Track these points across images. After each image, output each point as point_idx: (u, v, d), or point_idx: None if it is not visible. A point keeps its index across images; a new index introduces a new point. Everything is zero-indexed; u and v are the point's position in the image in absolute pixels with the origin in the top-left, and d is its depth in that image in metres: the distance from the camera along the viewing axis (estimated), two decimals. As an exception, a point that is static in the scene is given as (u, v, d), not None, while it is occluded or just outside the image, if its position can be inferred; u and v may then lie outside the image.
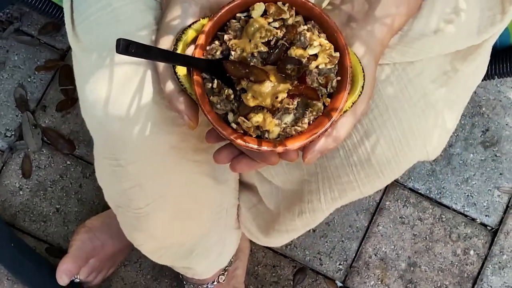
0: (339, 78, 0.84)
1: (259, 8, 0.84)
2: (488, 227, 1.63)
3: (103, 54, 0.92)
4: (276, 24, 0.83)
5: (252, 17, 0.84)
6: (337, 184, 1.02)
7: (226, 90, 0.82)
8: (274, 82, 0.81)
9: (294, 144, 0.82)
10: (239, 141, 0.81)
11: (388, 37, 0.91)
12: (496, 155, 1.65)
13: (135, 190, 1.03)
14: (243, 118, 0.81)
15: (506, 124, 1.66)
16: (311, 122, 0.83)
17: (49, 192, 1.64)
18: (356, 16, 0.89)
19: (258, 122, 0.81)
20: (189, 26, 0.85)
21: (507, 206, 1.63)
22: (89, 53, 0.95)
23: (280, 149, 0.82)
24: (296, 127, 0.82)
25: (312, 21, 0.85)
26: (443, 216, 1.63)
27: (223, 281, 1.47)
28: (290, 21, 0.84)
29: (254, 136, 0.82)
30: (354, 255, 1.62)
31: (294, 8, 0.84)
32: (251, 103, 0.81)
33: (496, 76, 1.53)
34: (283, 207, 1.14)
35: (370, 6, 0.89)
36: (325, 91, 0.84)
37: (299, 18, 0.85)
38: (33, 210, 1.63)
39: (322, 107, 0.83)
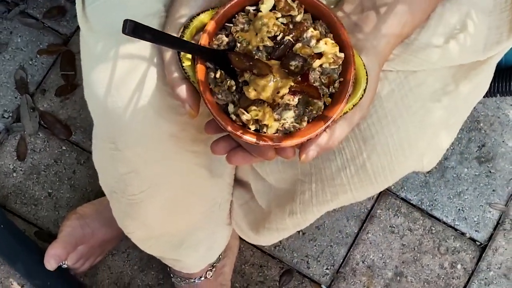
0: (342, 79, 0.84)
1: (268, 2, 0.84)
2: (477, 243, 1.63)
3: (111, 36, 0.93)
4: (284, 20, 0.84)
5: (260, 11, 0.84)
6: (330, 186, 1.02)
7: (229, 81, 0.83)
8: (277, 77, 0.81)
9: (291, 141, 0.82)
10: (237, 133, 0.81)
11: (394, 44, 0.91)
12: (490, 171, 1.65)
13: (131, 175, 1.04)
14: (243, 110, 0.81)
15: (503, 141, 1.66)
16: (310, 120, 0.84)
17: (43, 176, 1.64)
18: (364, 27, 0.89)
19: (257, 116, 0.81)
20: (198, 15, 0.85)
21: (498, 223, 1.64)
22: (97, 35, 0.95)
23: (277, 144, 0.82)
24: (295, 124, 0.83)
25: (320, 20, 0.85)
26: (433, 228, 1.63)
27: (211, 277, 1.47)
28: (298, 18, 0.84)
29: (253, 129, 0.82)
30: (341, 260, 1.63)
31: (303, 6, 0.85)
32: (252, 96, 0.81)
33: (498, 94, 1.53)
34: (275, 205, 1.14)
35: (379, 19, 0.89)
36: (327, 91, 0.84)
37: (307, 16, 0.85)
38: (25, 193, 1.63)
39: (323, 107, 0.83)
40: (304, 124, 0.83)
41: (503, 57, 1.34)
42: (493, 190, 1.65)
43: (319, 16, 0.85)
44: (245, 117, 0.81)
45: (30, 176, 1.64)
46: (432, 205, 1.64)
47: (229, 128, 0.82)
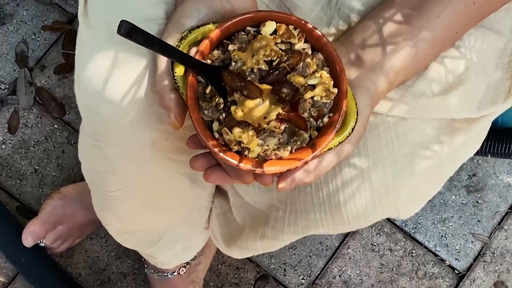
0: (331, 114, 0.83)
1: (270, 26, 0.83)
2: (455, 271, 1.63)
3: (108, 36, 0.92)
4: (283, 46, 0.82)
5: (261, 34, 0.83)
6: (302, 219, 1.01)
7: (218, 98, 0.81)
8: (266, 102, 0.80)
9: (271, 169, 0.81)
10: (218, 152, 0.80)
11: (389, 88, 0.90)
12: (477, 202, 1.65)
13: (109, 173, 1.03)
14: (227, 130, 0.80)
15: (494, 173, 1.66)
16: (293, 151, 0.82)
17: (31, 151, 1.63)
18: (366, 61, 0.88)
19: (241, 138, 0.80)
20: (198, 27, 0.84)
21: (479, 254, 1.63)
22: (95, 32, 0.94)
23: (258, 170, 0.80)
24: (277, 152, 0.81)
25: (319, 52, 0.84)
26: (414, 252, 1.63)
27: (184, 273, 1.47)
28: (297, 47, 0.83)
29: (234, 150, 0.81)
30: (318, 272, 1.62)
31: (304, 35, 0.83)
32: (239, 117, 0.79)
33: (489, 155, 1.52)
34: (249, 224, 1.13)
35: (382, 58, 0.88)
36: (315, 124, 0.82)
37: (307, 46, 0.84)
38: (12, 166, 1.63)
39: (308, 139, 0.82)
40: (286, 153, 0.81)
41: (500, 118, 1.32)
42: (478, 221, 1.64)
43: (318, 47, 0.84)
44: (229, 137, 0.80)
45: (19, 150, 1.63)
46: (416, 228, 1.63)
47: (211, 146, 0.80)
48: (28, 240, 1.46)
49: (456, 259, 1.63)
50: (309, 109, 0.82)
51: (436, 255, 1.63)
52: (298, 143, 0.82)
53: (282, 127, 0.81)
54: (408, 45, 0.88)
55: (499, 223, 1.64)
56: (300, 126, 0.81)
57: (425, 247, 1.63)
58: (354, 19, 0.94)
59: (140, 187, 1.07)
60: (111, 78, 0.91)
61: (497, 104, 0.98)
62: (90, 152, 1.03)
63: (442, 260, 1.63)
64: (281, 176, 0.84)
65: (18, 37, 1.67)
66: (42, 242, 1.49)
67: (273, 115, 0.80)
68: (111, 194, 1.07)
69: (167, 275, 1.47)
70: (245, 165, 0.80)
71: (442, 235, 1.64)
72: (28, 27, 1.67)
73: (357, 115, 0.84)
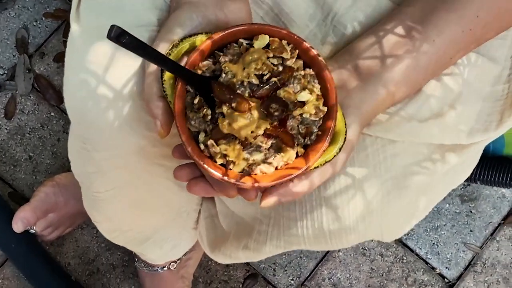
0: (319, 133, 0.81)
1: (263, 39, 0.82)
2: (445, 279, 1.62)
3: (99, 40, 0.90)
4: (275, 61, 0.81)
5: (253, 46, 0.82)
6: (285, 235, 0.99)
7: (205, 110, 0.80)
8: (254, 116, 0.79)
9: (256, 184, 0.79)
10: (203, 163, 0.79)
11: (380, 110, 0.88)
12: (471, 211, 1.64)
13: (97, 175, 1.03)
14: (213, 142, 0.79)
15: (489, 184, 1.65)
16: (279, 167, 0.81)
17: (27, 138, 1.63)
18: (354, 86, 0.87)
19: (226, 151, 0.79)
20: (190, 36, 0.83)
21: (469, 264, 1.63)
22: (85, 35, 0.93)
23: (241, 184, 0.79)
24: (262, 168, 0.80)
25: (311, 69, 0.82)
26: (405, 258, 1.62)
27: (174, 268, 1.47)
28: (289, 62, 0.81)
29: (219, 163, 0.80)
30: (308, 274, 1.62)
31: (297, 51, 0.82)
32: (226, 129, 0.78)
33: (479, 182, 1.51)
34: (234, 233, 1.12)
35: (371, 82, 0.87)
36: (302, 141, 0.81)
37: (299, 62, 0.83)
38: (6, 152, 1.62)
39: (294, 156, 0.80)
40: (272, 169, 0.80)
41: (491, 145, 1.31)
42: (471, 231, 1.64)
43: (311, 64, 0.83)
44: (214, 149, 0.79)
45: (14, 136, 1.63)
46: (408, 234, 1.63)
47: (195, 157, 0.79)
48: (18, 225, 1.45)
49: (446, 267, 1.63)
50: (298, 126, 0.80)
51: (426, 263, 1.63)
52: (284, 159, 0.80)
53: (269, 142, 0.80)
54: (408, 58, 0.87)
55: (492, 234, 1.64)
56: (287, 143, 0.80)
57: (416, 254, 1.63)
58: (349, 37, 0.93)
59: (128, 189, 1.06)
60: (100, 83, 0.90)
61: (488, 131, 0.96)
62: (78, 153, 1.02)
63: (433, 268, 1.63)
64: (265, 192, 0.83)
65: (19, 23, 1.66)
66: (33, 229, 1.49)
67: (260, 130, 0.79)
68: (98, 195, 1.07)
69: (157, 269, 1.47)
70: (229, 179, 0.79)
71: (434, 243, 1.63)
72: (29, 13, 1.67)
73: (345, 134, 0.82)
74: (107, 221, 1.17)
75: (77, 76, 0.91)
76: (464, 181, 1.05)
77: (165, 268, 1.46)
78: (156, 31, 0.89)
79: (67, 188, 1.50)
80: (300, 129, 0.81)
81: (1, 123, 1.63)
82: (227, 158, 0.79)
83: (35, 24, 1.67)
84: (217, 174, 0.79)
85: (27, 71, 1.64)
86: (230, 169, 0.80)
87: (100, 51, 0.90)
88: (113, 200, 1.08)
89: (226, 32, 0.82)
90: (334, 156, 0.82)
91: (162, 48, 0.83)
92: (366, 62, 0.88)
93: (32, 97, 1.64)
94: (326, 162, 0.82)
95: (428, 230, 1.63)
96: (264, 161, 0.80)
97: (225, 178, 0.79)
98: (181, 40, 0.83)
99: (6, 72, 1.64)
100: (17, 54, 1.65)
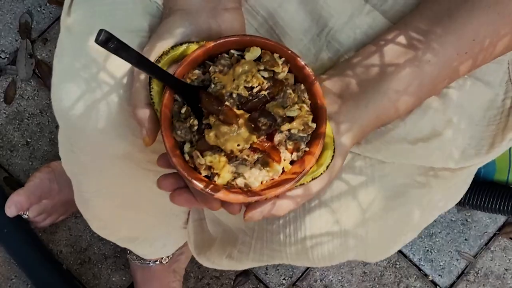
0: (307, 149, 0.80)
1: (254, 51, 0.80)
2: (438, 287, 1.62)
3: (88, 43, 0.89)
4: (265, 74, 0.79)
5: (244, 58, 0.80)
6: (267, 249, 0.98)
7: (192, 120, 0.79)
8: (242, 129, 0.77)
9: (239, 198, 0.78)
10: (186, 175, 0.77)
11: (370, 129, 0.86)
12: (467, 220, 1.64)
13: (83, 177, 1.03)
14: (198, 153, 0.78)
15: (486, 193, 1.65)
16: (264, 182, 0.79)
17: (25, 124, 1.62)
18: (345, 103, 0.85)
19: (211, 163, 0.77)
20: (181, 44, 0.82)
21: (463, 273, 1.62)
22: (75, 38, 0.91)
23: (224, 198, 0.77)
24: (247, 182, 0.78)
25: (302, 84, 0.81)
26: (398, 263, 1.62)
27: (166, 262, 1.46)
28: (280, 76, 0.80)
29: (203, 175, 0.78)
30: (300, 274, 1.61)
31: (288, 65, 0.81)
32: (212, 141, 0.77)
33: (467, 206, 1.50)
34: (219, 239, 1.11)
35: (364, 99, 0.85)
36: (289, 157, 0.80)
37: (290, 77, 0.81)
38: (4, 136, 1.61)
39: (280, 172, 0.79)
40: (257, 184, 0.79)
41: (482, 169, 1.29)
42: (466, 239, 1.63)
43: (302, 80, 0.81)
44: (199, 161, 0.77)
45: (13, 121, 1.62)
46: (402, 240, 1.62)
47: (179, 168, 0.78)
48: (11, 210, 1.45)
49: (439, 275, 1.62)
50: (285, 141, 0.79)
51: (419, 269, 1.62)
52: (270, 174, 0.79)
53: (255, 156, 0.78)
54: (409, 67, 0.85)
55: (486, 244, 1.63)
56: (274, 158, 0.78)
57: (410, 260, 1.62)
58: (343, 53, 0.91)
59: (115, 192, 1.06)
60: (84, 85, 0.88)
61: (480, 156, 0.95)
62: (67, 154, 1.02)
63: (425, 275, 1.62)
64: (248, 206, 0.82)
65: (23, 8, 1.66)
66: (26, 214, 1.48)
67: (247, 144, 0.77)
68: (86, 195, 1.07)
69: (149, 263, 1.47)
70: (212, 192, 0.77)
71: (428, 250, 1.63)
72: (34, -1, 1.66)
73: (334, 152, 0.81)
74: (97, 220, 1.17)
75: (64, 79, 0.90)
76: (455, 205, 1.04)
77: (157, 262, 1.46)
78: (147, 37, 0.87)
79: (63, 175, 1.49)
80: (288, 145, 0.79)
81: (0, 108, 1.62)
82: (212, 170, 0.78)
83: (39, 9, 1.66)
84: (199, 185, 0.77)
85: (28, 56, 1.63)
86: (215, 182, 0.78)
87: (88, 57, 0.88)
88: (100, 201, 1.08)
89: (218, 42, 0.80)
90: (321, 173, 0.80)
91: (152, 55, 0.82)
92: (365, 72, 0.86)
93: (32, 82, 1.63)
94: (313, 179, 0.80)
95: (423, 236, 1.63)
96: (250, 175, 0.78)
97: (209, 191, 0.77)
98: (172, 47, 0.81)
99: (8, 56, 1.64)
100: (20, 38, 1.64)
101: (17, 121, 1.62)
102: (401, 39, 0.86)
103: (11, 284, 1.58)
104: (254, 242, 0.99)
